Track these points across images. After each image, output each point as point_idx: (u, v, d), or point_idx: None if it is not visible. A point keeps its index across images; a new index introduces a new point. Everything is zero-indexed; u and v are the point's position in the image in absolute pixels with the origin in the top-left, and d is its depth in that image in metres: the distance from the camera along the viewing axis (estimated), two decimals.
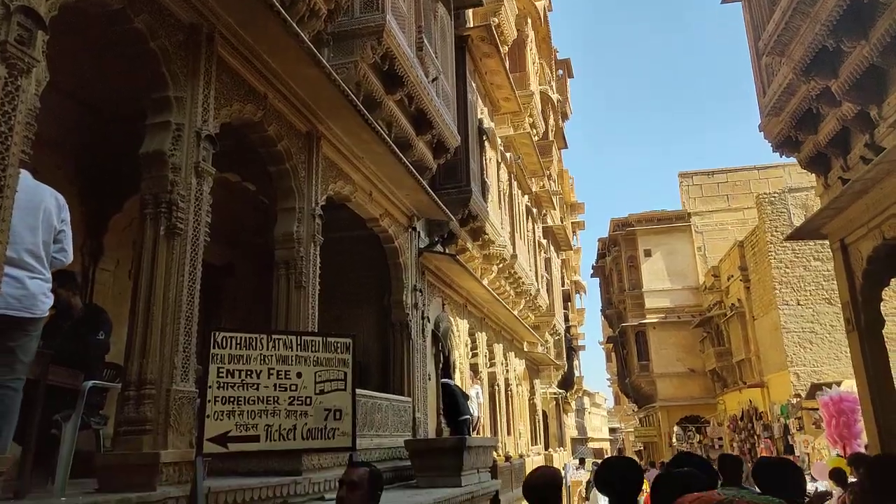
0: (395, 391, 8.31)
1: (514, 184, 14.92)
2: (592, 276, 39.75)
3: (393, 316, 8.70)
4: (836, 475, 8.29)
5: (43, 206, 3.07)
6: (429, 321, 9.55)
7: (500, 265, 13.00)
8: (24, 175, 2.94)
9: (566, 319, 27.86)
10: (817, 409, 17.93)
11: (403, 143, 8.40)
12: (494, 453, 10.97)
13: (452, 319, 10.91)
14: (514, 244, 14.06)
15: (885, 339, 7.73)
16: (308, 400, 4.25)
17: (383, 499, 3.33)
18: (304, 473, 5.01)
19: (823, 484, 9.46)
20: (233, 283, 8.75)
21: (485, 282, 11.99)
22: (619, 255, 32.43)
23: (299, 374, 4.25)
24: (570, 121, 31.08)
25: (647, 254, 30.84)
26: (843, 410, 11.20)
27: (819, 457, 15.13)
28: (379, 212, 8.10)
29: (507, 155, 14.09)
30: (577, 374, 31.77)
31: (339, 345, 4.49)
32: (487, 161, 11.83)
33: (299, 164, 5.98)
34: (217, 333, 3.94)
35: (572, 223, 35.65)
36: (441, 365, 10.09)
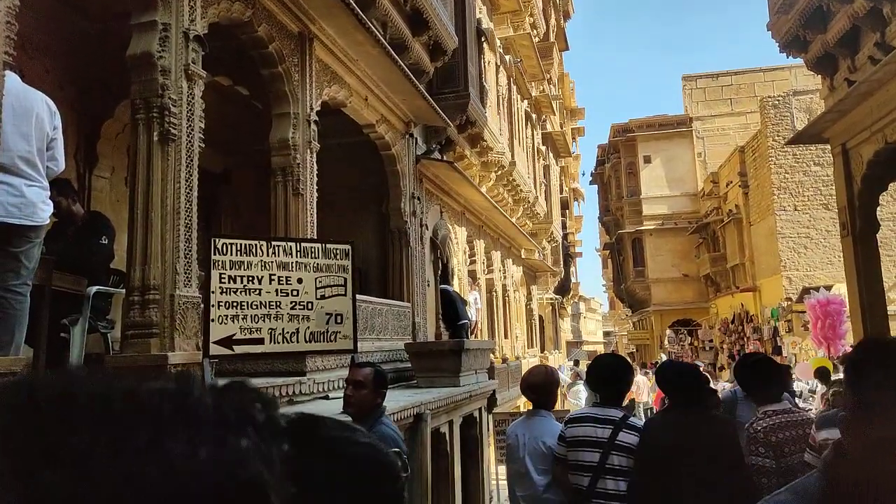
0: (395, 297, 8.47)
1: (514, 88, 14.56)
2: (591, 182, 39.60)
3: (391, 223, 8.74)
4: (821, 374, 8.68)
5: (35, 112, 3.01)
6: (427, 229, 9.59)
7: (499, 172, 12.92)
8: (13, 79, 2.86)
9: (564, 226, 28.01)
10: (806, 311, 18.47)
11: (399, 46, 8.13)
12: (491, 355, 11.34)
13: (450, 227, 10.97)
14: (512, 151, 13.91)
15: (878, 244, 7.84)
16: (309, 304, 4.36)
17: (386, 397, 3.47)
18: (309, 374, 5.19)
19: (806, 382, 9.87)
20: (232, 190, 8.73)
21: (483, 189, 11.95)
22: (618, 162, 32.17)
23: (300, 280, 4.33)
24: (571, 20, 29.90)
25: (647, 160, 30.57)
26: (829, 313, 11.50)
27: (805, 357, 15.66)
28: (375, 118, 7.95)
29: (507, 58, 13.67)
30: (573, 280, 32.30)
31: (338, 251, 4.55)
32: (486, 64, 11.50)
33: (292, 67, 5.82)
34: (217, 240, 3.98)
35: (572, 129, 35.07)
36: (440, 271, 10.25)
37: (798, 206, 19.84)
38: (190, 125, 4.26)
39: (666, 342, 30.30)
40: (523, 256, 18.45)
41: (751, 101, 28.56)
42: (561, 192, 27.12)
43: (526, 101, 16.65)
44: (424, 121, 9.13)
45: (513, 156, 13.75)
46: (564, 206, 29.29)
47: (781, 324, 19.94)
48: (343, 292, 4.52)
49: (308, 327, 4.31)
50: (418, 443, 5.35)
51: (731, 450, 2.96)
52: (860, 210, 7.55)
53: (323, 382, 5.42)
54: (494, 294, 14.12)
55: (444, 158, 9.72)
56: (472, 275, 12.57)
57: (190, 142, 4.25)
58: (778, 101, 20.52)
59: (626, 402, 5.04)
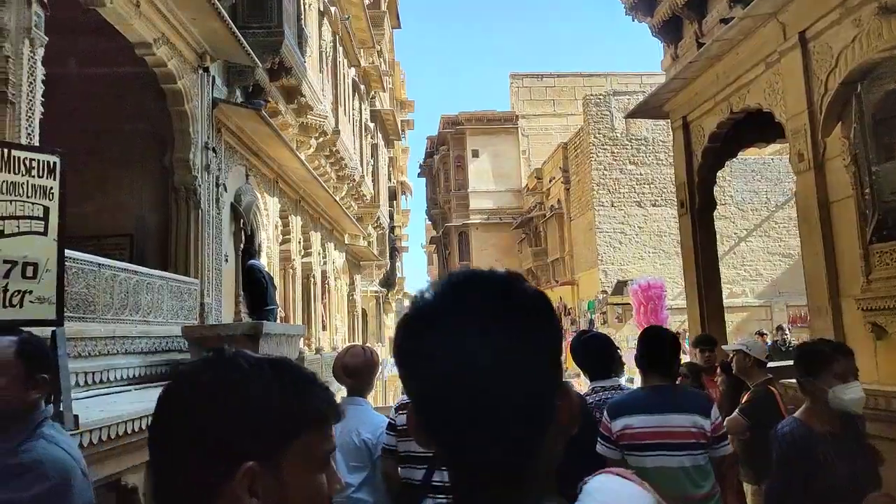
0: (179, 271, 6.72)
1: (340, 50, 13.09)
2: (419, 175, 39.18)
3: (176, 178, 6.95)
4: None
5: None
6: (226, 190, 7.87)
7: (321, 139, 11.39)
8: None
9: (391, 217, 27.00)
10: (620, 303, 19.12)
11: None
12: (304, 345, 9.82)
13: (259, 195, 9.26)
14: (336, 118, 12.44)
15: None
16: None
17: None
18: None
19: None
20: None
21: (302, 156, 10.37)
22: (447, 155, 31.94)
23: None
24: (403, 1, 28.92)
25: (475, 154, 30.63)
26: (650, 297, 11.63)
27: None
28: (153, 35, 6.12)
29: (332, 10, 12.14)
30: (399, 274, 31.48)
31: (34, 163, 2.85)
32: (307, 7, 9.94)
33: None
34: None
35: (401, 121, 34.27)
36: (242, 245, 8.54)
37: (615, 203, 20.57)
38: None
39: None
40: (347, 242, 17.05)
41: (571, 104, 29.72)
42: (389, 180, 26.07)
43: (354, 69, 15.23)
44: (225, 55, 7.41)
45: (337, 123, 12.29)
46: (392, 196, 28.30)
47: (597, 316, 20.56)
48: (41, 229, 2.84)
49: None
50: None
51: None
52: (699, 186, 7.19)
53: None
54: (312, 280, 12.57)
55: (252, 106, 8.02)
56: (287, 255, 10.94)
57: None
58: (599, 99, 21.19)
59: None
